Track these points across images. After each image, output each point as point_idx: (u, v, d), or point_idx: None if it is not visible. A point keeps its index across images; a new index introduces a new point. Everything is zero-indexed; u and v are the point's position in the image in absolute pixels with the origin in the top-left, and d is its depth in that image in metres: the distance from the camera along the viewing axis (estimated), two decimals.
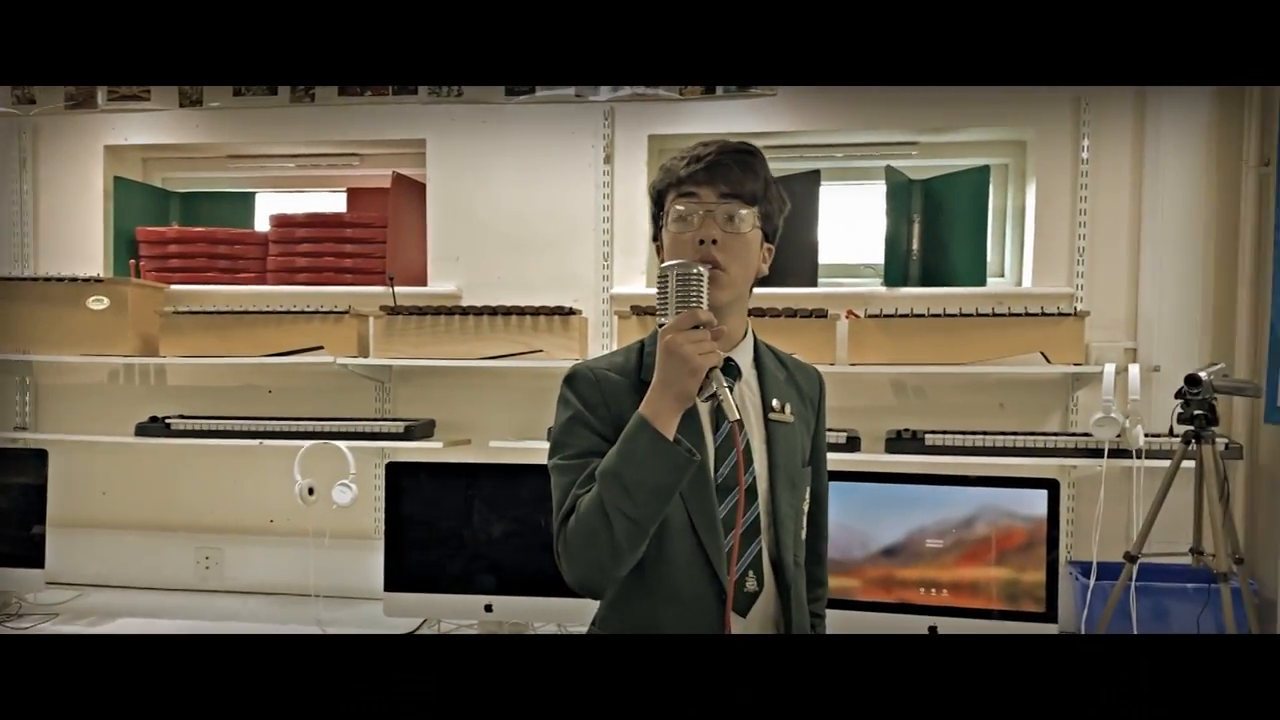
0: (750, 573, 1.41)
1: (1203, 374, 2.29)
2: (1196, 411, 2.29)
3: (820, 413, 1.56)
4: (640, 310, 2.60)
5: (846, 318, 2.63)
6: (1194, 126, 2.65)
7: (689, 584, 1.37)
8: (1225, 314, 2.67)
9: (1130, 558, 2.33)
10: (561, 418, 1.42)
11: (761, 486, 1.43)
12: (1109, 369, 2.49)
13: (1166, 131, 2.66)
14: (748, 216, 1.38)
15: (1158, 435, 2.51)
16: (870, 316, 2.61)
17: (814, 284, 2.78)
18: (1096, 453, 2.51)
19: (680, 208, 1.38)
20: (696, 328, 1.27)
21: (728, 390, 1.28)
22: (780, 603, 1.44)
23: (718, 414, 1.40)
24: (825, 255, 2.82)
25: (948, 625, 2.40)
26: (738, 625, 1.41)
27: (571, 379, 1.44)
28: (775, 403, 1.46)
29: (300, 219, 3.04)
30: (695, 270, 1.29)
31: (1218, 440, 2.32)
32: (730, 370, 1.42)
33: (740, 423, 1.33)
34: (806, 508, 1.51)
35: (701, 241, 1.36)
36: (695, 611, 1.38)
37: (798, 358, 1.58)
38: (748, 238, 1.39)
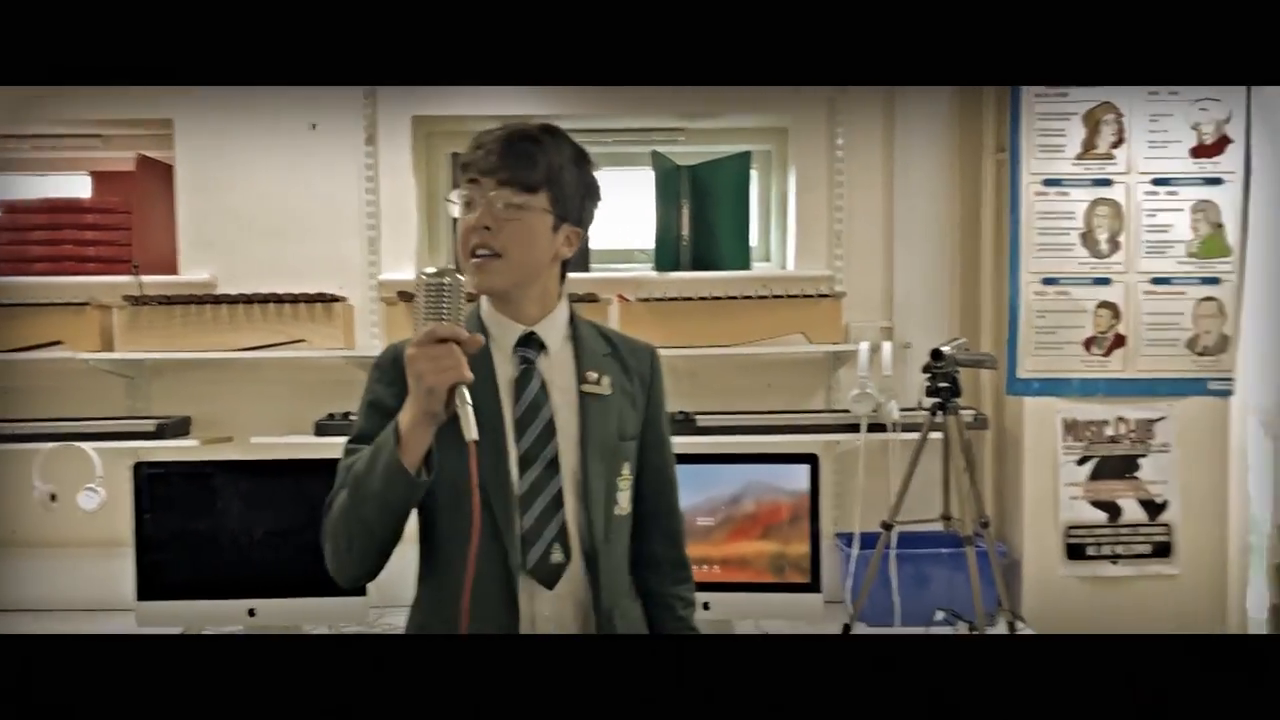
0: (555, 545, 1.46)
1: (945, 348, 2.52)
2: (942, 384, 2.51)
3: (654, 390, 1.61)
4: (409, 296, 2.62)
5: (618, 302, 2.74)
6: (938, 116, 2.89)
7: (484, 558, 1.39)
8: (971, 292, 2.94)
9: (886, 525, 2.55)
10: (362, 399, 1.48)
11: (571, 458, 1.48)
12: (864, 347, 2.71)
13: (914, 122, 2.89)
14: (530, 202, 1.42)
15: (911, 409, 2.75)
16: (641, 300, 2.73)
17: (586, 269, 2.89)
18: (855, 427, 2.73)
19: (463, 194, 1.44)
20: (440, 342, 1.30)
21: (470, 409, 1.31)
22: (589, 575, 1.49)
23: (520, 382, 1.47)
24: (598, 241, 2.93)
25: (718, 600, 2.57)
26: (544, 598, 1.47)
27: (381, 356, 1.50)
28: (591, 375, 1.52)
29: (35, 205, 2.89)
30: (445, 280, 1.31)
31: (963, 411, 2.57)
32: (533, 344, 1.49)
33: (477, 443, 1.32)
34: (630, 482, 1.56)
35: (478, 228, 1.41)
36: (492, 586, 1.42)
37: (631, 336, 1.65)
38: (530, 223, 1.43)
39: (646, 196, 2.91)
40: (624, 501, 1.55)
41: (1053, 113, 2.73)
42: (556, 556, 1.46)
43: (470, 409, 1.31)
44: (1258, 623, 3.01)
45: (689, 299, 2.71)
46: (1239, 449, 2.90)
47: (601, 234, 2.93)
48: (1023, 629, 2.59)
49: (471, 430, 1.31)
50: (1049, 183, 2.75)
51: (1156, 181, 2.75)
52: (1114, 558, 2.83)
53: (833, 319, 2.76)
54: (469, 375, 1.32)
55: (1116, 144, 2.74)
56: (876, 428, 2.73)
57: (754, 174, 3.00)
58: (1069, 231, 2.76)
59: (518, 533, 1.44)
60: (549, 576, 1.46)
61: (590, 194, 1.53)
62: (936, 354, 2.51)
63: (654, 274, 2.86)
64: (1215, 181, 2.75)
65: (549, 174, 1.44)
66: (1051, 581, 2.81)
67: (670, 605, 1.63)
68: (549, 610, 1.47)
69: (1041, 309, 2.78)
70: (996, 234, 2.85)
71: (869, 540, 2.64)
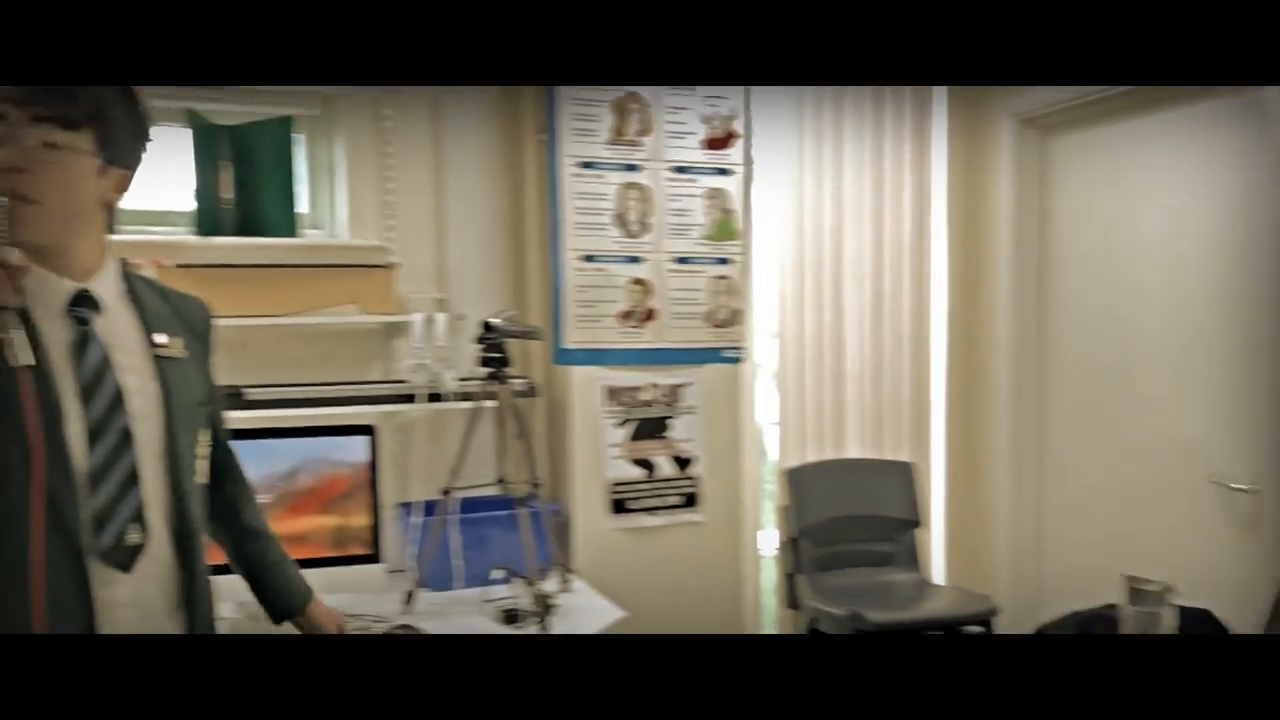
0: (132, 525, 1.33)
1: (495, 320, 2.66)
2: (493, 355, 2.64)
3: (212, 348, 1.54)
4: None
5: (153, 267, 2.57)
6: (485, 93, 3.05)
7: (49, 546, 1.24)
8: (519, 267, 3.12)
9: (445, 492, 2.64)
10: None
11: (148, 428, 1.36)
12: (418, 318, 2.78)
13: (461, 97, 3.02)
14: (72, 141, 1.29)
15: (467, 379, 2.86)
16: (181, 266, 2.58)
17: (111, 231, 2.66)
18: (412, 398, 2.79)
19: None
20: None
21: (20, 333, 1.20)
22: (177, 553, 1.39)
23: (79, 347, 1.32)
24: (130, 200, 2.70)
25: None
26: (123, 581, 1.33)
27: None
28: (160, 336, 1.41)
29: None
30: None
31: (514, 380, 2.72)
32: (87, 303, 1.34)
33: (32, 369, 1.22)
34: (207, 450, 1.48)
35: (7, 170, 1.26)
36: (61, 574, 1.27)
37: (183, 292, 1.53)
38: (72, 166, 1.30)
39: (183, 156, 2.74)
40: (202, 471, 1.48)
41: (586, 99, 2.98)
42: (134, 538, 1.35)
43: (21, 332, 1.21)
44: (769, 561, 3.50)
45: (234, 266, 2.61)
46: (749, 407, 3.36)
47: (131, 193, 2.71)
48: (574, 580, 2.79)
49: (20, 355, 1.20)
50: (585, 165, 2.99)
51: (676, 169, 3.10)
52: (651, 509, 3.14)
53: (386, 290, 2.79)
54: (19, 299, 1.21)
55: (642, 132, 3.04)
56: (433, 397, 2.81)
57: (302, 138, 2.93)
58: (604, 212, 3.02)
59: (87, 514, 1.30)
60: (125, 559, 1.34)
61: (141, 132, 1.43)
62: (487, 326, 2.64)
63: (193, 239, 2.70)
64: (725, 172, 3.16)
65: (94, 109, 1.32)
66: (599, 535, 3.05)
67: (273, 569, 1.66)
68: (128, 596, 1.35)
69: (582, 284, 3.02)
70: (540, 212, 3.05)
71: (430, 508, 2.70)
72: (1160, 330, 3.01)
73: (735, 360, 3.25)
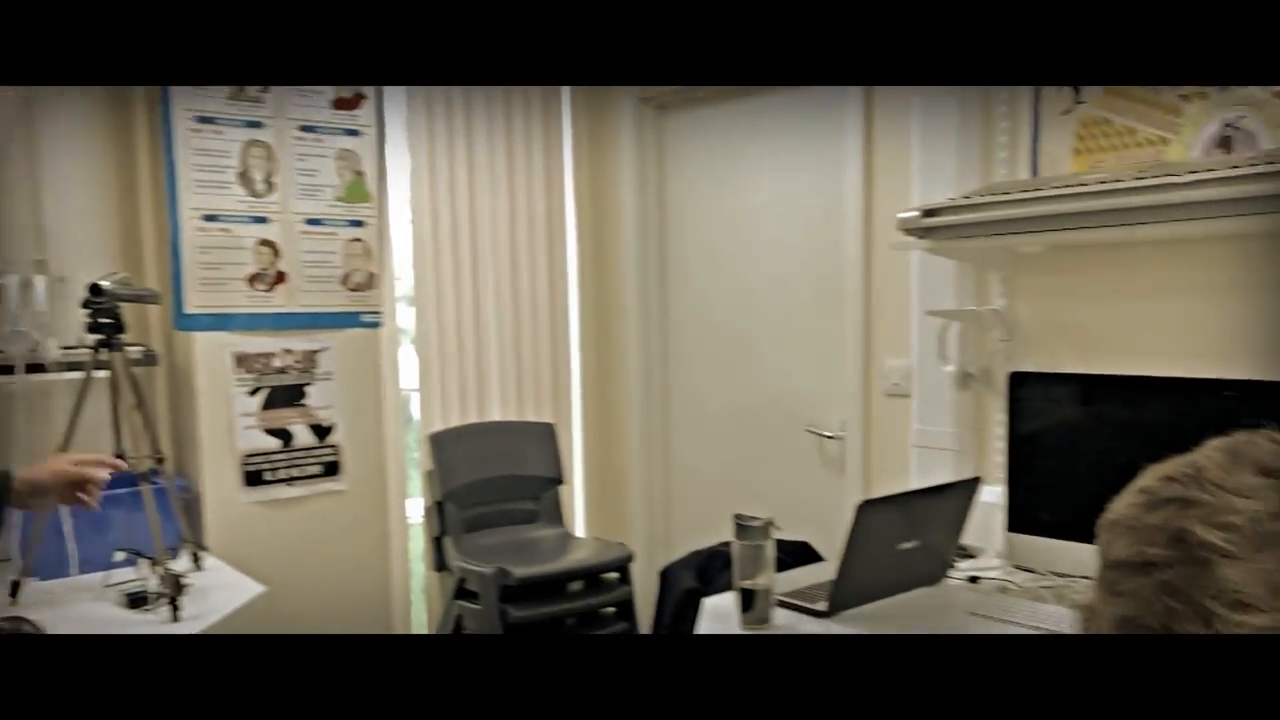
0: None
1: (104, 283, 2.47)
2: (104, 320, 2.46)
3: None
4: None
5: None
6: None
7: None
8: (131, 226, 2.92)
9: None
10: None
11: None
12: (13, 281, 2.53)
13: None
14: None
15: (73, 347, 2.64)
16: None
17: None
18: (10, 369, 2.54)
19: None
20: None
21: None
22: None
23: None
24: None
25: None
26: None
27: None
28: None
29: None
30: None
31: (130, 348, 2.54)
32: None
33: None
34: None
35: None
36: None
37: None
38: None
39: None
40: None
41: None
42: None
43: None
44: (417, 528, 3.51)
45: None
46: (390, 373, 3.35)
47: None
48: (207, 559, 2.67)
49: None
50: (203, 120, 2.84)
51: (303, 128, 3.03)
52: (289, 480, 3.06)
53: None
54: None
55: (265, 88, 2.94)
56: (34, 368, 2.57)
57: None
58: (226, 169, 2.90)
59: None
60: None
61: None
62: (95, 289, 2.45)
63: None
64: (354, 133, 3.13)
65: None
66: (233, 509, 2.93)
67: None
68: None
69: (204, 245, 2.87)
70: (153, 168, 2.87)
71: None
72: (768, 297, 3.36)
73: (373, 325, 3.24)
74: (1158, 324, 2.26)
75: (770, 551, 2.01)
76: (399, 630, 3.43)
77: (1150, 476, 0.80)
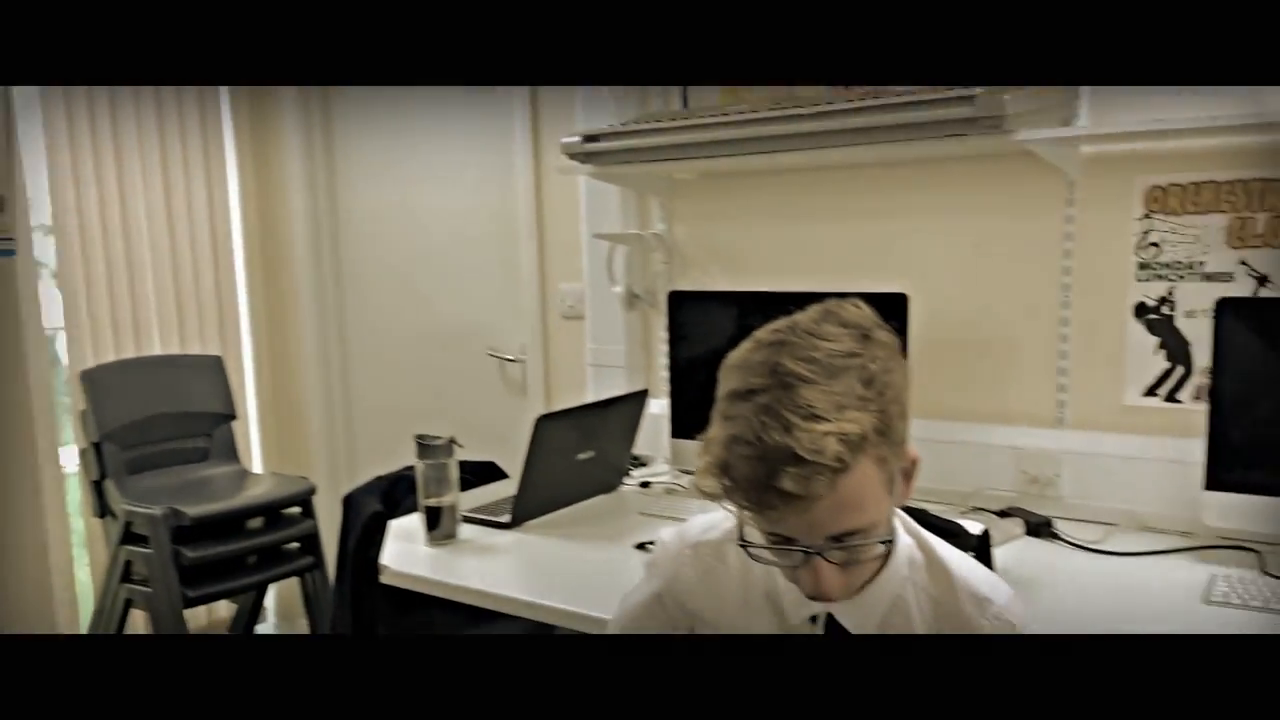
0: None
1: None
2: None
3: None
4: None
5: None
6: None
7: None
8: None
9: None
10: None
11: None
12: None
13: None
14: None
15: None
16: None
17: None
18: None
19: None
20: None
21: None
22: None
23: None
24: None
25: None
26: None
27: None
28: None
29: None
30: None
31: None
32: None
33: None
34: None
35: None
36: None
37: None
38: None
39: None
40: None
41: None
42: None
43: None
44: (74, 477, 3.28)
45: None
46: (31, 311, 3.08)
47: None
48: None
49: None
50: None
51: None
52: None
53: None
54: None
55: None
56: None
57: None
58: None
59: None
60: None
61: None
62: None
63: None
64: None
65: None
66: None
67: None
68: None
69: None
70: None
71: None
72: (444, 227, 3.38)
73: (6, 254, 2.96)
74: (801, 245, 2.52)
75: (453, 469, 2.08)
76: (57, 587, 3.21)
77: (761, 330, 1.00)
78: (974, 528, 1.81)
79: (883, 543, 1.03)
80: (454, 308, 3.40)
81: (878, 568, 1.08)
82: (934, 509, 2.04)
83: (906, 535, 1.13)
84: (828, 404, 0.93)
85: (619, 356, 2.83)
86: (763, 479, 0.92)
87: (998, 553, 1.91)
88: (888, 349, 1.01)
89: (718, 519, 1.21)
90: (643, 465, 2.64)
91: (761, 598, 1.14)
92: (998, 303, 2.23)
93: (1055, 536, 2.00)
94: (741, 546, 1.03)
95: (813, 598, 1.03)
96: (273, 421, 3.85)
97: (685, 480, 2.46)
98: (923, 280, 2.25)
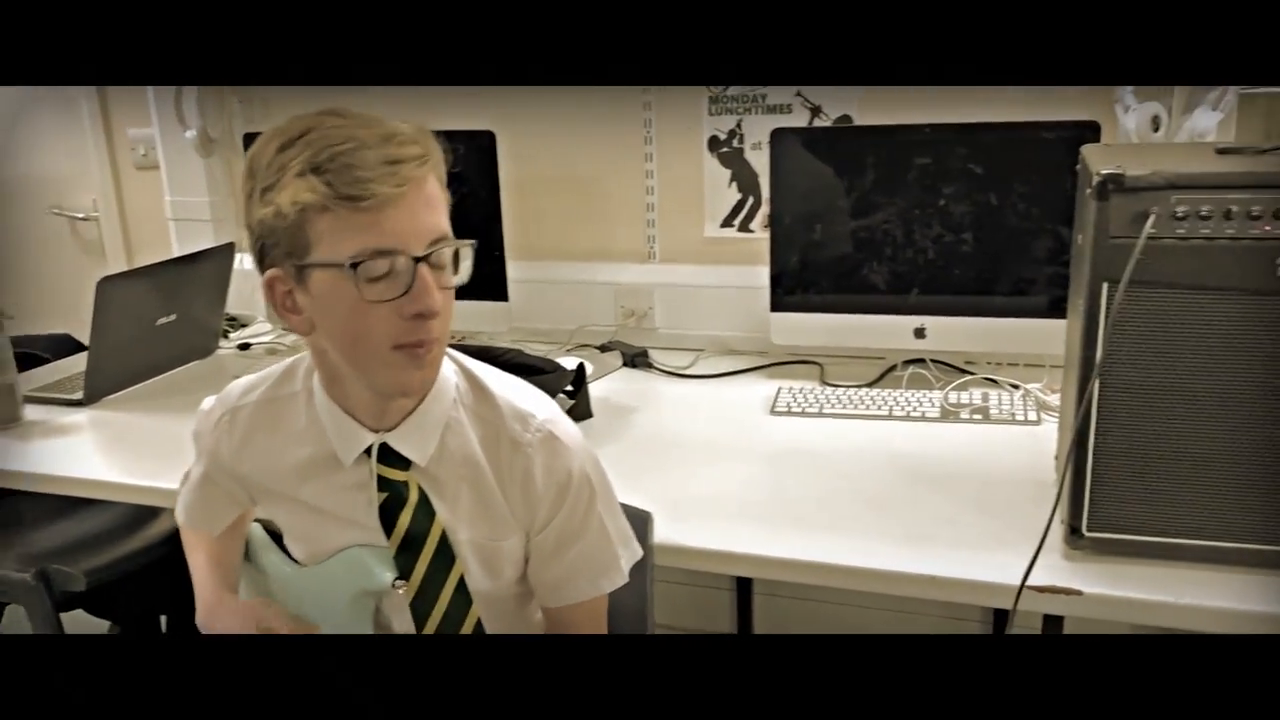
0: None
1: None
2: None
3: None
4: None
5: None
6: None
7: None
8: None
9: None
10: None
11: None
12: None
13: None
14: None
15: None
16: None
17: None
18: None
19: None
20: None
21: None
22: None
23: None
24: None
25: None
26: None
27: None
28: None
29: None
30: None
31: None
32: None
33: None
34: None
35: None
36: None
37: None
38: None
39: None
40: None
41: None
42: None
43: None
44: None
45: None
46: None
47: None
48: None
49: None
50: None
51: None
52: None
53: None
54: None
55: None
56: None
57: None
58: None
59: None
60: None
61: None
62: None
63: None
64: None
65: None
66: None
67: None
68: None
69: None
70: None
71: None
72: None
73: None
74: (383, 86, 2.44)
75: (5, 347, 1.92)
76: None
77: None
78: (569, 363, 1.92)
79: (470, 243, 1.06)
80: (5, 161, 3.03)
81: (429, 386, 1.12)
82: (540, 349, 2.16)
83: (449, 360, 1.17)
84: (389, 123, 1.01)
85: (203, 210, 2.66)
86: (368, 158, 0.96)
87: (600, 385, 2.05)
88: None
89: (258, 379, 1.20)
90: (243, 326, 2.54)
91: (311, 447, 1.15)
92: (584, 143, 2.30)
93: (650, 366, 2.16)
94: (351, 267, 0.97)
95: (416, 348, 1.02)
96: None
97: (289, 340, 2.39)
98: (509, 121, 2.25)
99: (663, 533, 1.40)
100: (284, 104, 2.51)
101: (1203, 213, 1.12)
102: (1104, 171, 1.14)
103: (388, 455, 1.12)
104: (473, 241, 1.06)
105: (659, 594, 1.42)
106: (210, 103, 2.56)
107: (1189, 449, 1.19)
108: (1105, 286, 1.16)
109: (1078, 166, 1.30)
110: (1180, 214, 1.13)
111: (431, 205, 1.01)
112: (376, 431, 1.12)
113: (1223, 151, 1.24)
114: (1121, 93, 1.82)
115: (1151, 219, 1.13)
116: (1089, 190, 1.18)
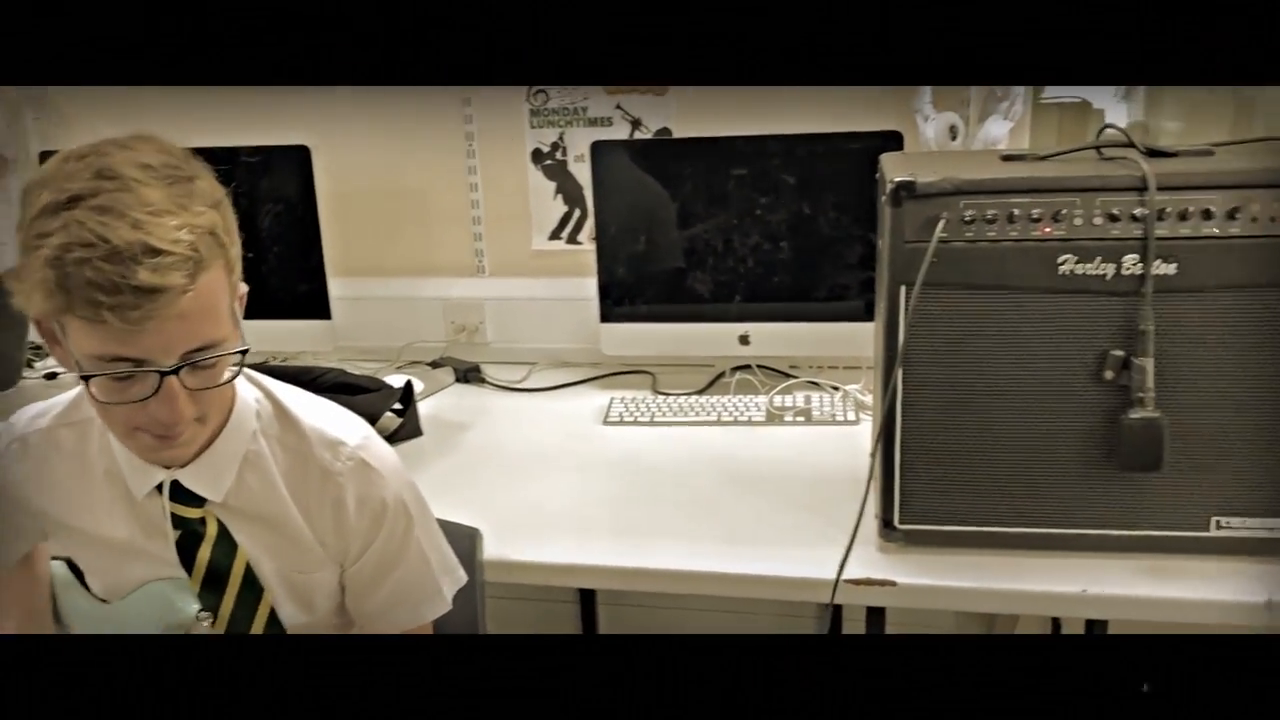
0: None
1: None
2: None
3: None
4: None
5: None
6: None
7: None
8: None
9: None
10: None
11: None
12: None
13: None
14: None
15: None
16: None
17: None
18: None
19: None
20: None
21: None
22: None
23: None
24: None
25: None
26: None
27: None
28: None
29: None
30: None
31: None
32: None
33: None
34: None
35: None
36: None
37: None
38: None
39: None
40: None
41: None
42: None
43: None
44: None
45: None
46: None
47: None
48: None
49: None
50: None
51: None
52: None
53: None
54: None
55: None
56: None
57: None
58: None
59: None
60: None
61: None
62: None
63: None
64: None
65: None
66: None
67: None
68: None
69: None
70: None
71: None
72: None
73: None
74: (199, 98, 2.35)
75: None
76: None
77: (64, 150, 0.94)
78: (397, 381, 1.89)
79: (238, 352, 0.98)
80: None
81: (224, 418, 1.06)
82: (369, 367, 2.12)
83: (252, 386, 1.12)
84: (171, 203, 0.90)
85: (5, 231, 2.50)
86: (114, 279, 0.86)
87: (431, 402, 2.02)
88: (207, 169, 0.98)
89: (48, 405, 1.14)
90: (47, 355, 2.40)
91: (102, 477, 1.09)
92: (405, 157, 2.26)
93: (483, 381, 2.14)
94: (83, 379, 0.93)
95: (161, 437, 0.97)
96: None
97: None
98: (326, 135, 2.19)
99: (493, 548, 1.40)
100: (84, 119, 2.40)
101: (988, 216, 1.19)
102: (897, 179, 1.20)
103: (180, 492, 1.07)
104: (242, 349, 0.98)
105: (502, 610, 1.41)
106: (2, 118, 2.42)
107: (987, 441, 1.26)
108: (903, 289, 1.22)
109: (877, 175, 1.37)
110: (968, 218, 1.20)
111: (192, 318, 0.91)
112: (169, 468, 1.06)
113: (1008, 158, 1.32)
114: (920, 103, 1.91)
115: (941, 223, 1.19)
116: (884, 197, 1.24)
